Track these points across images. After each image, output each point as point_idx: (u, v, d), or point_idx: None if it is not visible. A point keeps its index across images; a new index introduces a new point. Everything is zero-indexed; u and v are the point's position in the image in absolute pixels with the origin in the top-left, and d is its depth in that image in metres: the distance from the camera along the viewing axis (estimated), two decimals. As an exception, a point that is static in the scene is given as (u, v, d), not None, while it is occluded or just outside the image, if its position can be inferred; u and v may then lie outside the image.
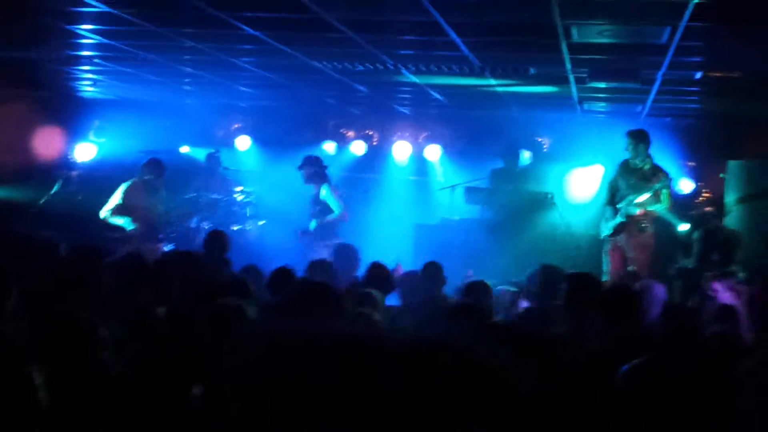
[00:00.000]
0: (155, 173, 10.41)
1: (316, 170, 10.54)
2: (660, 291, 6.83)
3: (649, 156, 9.67)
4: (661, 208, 9.77)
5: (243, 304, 4.62)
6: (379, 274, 6.75)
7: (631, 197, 9.61)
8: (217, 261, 7.48)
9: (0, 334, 2.79)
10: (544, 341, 4.71)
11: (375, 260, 7.04)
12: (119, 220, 10.11)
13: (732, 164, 11.45)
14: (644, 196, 9.57)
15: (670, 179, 9.76)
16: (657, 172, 9.71)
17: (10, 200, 11.30)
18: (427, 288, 6.74)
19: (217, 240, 7.88)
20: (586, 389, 2.93)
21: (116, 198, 10.24)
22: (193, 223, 11.48)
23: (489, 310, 5.60)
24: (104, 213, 10.23)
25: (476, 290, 6.10)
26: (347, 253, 8.27)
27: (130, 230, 10.01)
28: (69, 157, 12.71)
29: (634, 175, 9.67)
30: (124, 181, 10.53)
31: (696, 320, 5.20)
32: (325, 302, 4.14)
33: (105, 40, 8.20)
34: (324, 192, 10.47)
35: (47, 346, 2.85)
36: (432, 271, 6.93)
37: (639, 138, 9.60)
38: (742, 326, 5.96)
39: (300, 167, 10.57)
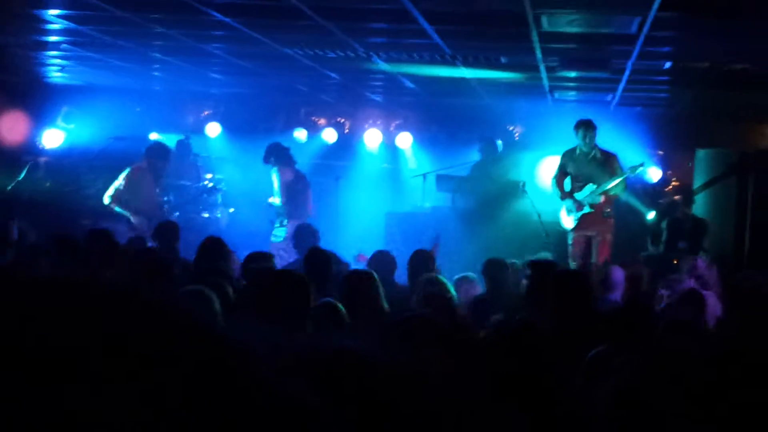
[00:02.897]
0: (162, 158, 10.42)
1: (274, 155, 10.67)
2: (618, 274, 6.93)
3: (595, 143, 9.78)
4: (620, 191, 9.90)
5: (205, 290, 4.61)
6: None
7: (591, 186, 9.68)
8: (170, 251, 7.56)
9: None
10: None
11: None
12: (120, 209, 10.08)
13: (700, 153, 11.56)
14: (610, 185, 9.66)
15: (630, 166, 9.91)
16: (608, 156, 9.81)
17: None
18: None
19: (169, 230, 7.94)
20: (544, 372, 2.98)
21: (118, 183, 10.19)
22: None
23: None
24: (106, 199, 10.19)
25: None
26: (303, 233, 8.44)
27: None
28: (37, 143, 12.58)
29: (585, 162, 9.74)
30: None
31: (652, 305, 5.28)
32: None
33: (73, 25, 8.10)
34: (273, 176, 10.64)
35: None
36: (381, 259, 7.01)
37: (592, 127, 9.66)
38: (709, 312, 6.02)
39: (265, 161, 10.68)
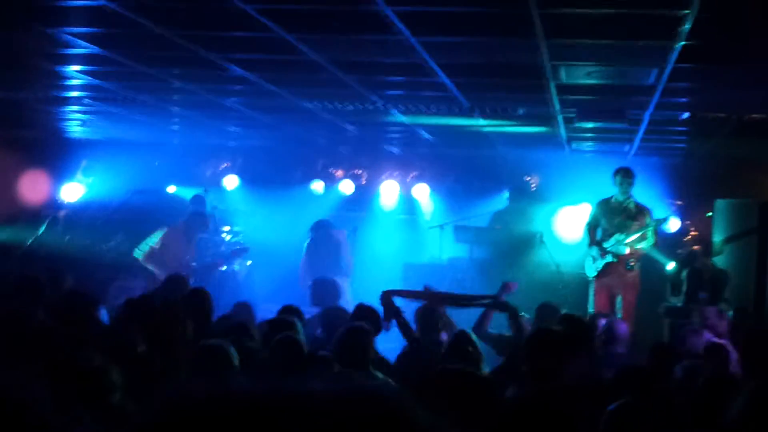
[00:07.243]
0: (200, 224, 10.41)
1: (328, 231, 11.00)
2: (622, 328, 6.88)
3: (631, 194, 9.71)
4: (647, 246, 9.79)
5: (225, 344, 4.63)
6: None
7: (619, 236, 9.60)
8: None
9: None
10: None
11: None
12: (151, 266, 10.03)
13: (719, 203, 11.49)
14: (636, 236, 9.56)
15: (656, 218, 9.80)
16: (642, 209, 9.73)
17: (-4, 241, 11.23)
18: None
19: (175, 284, 7.77)
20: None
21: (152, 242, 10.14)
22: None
23: None
24: (137, 253, 10.14)
25: None
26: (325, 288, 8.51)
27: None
28: (56, 197, 12.66)
29: (618, 213, 9.66)
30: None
31: (674, 358, 5.21)
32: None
33: (94, 81, 8.20)
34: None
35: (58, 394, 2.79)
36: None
37: (631, 175, 9.59)
38: (731, 364, 5.93)
39: (313, 230, 10.97)
